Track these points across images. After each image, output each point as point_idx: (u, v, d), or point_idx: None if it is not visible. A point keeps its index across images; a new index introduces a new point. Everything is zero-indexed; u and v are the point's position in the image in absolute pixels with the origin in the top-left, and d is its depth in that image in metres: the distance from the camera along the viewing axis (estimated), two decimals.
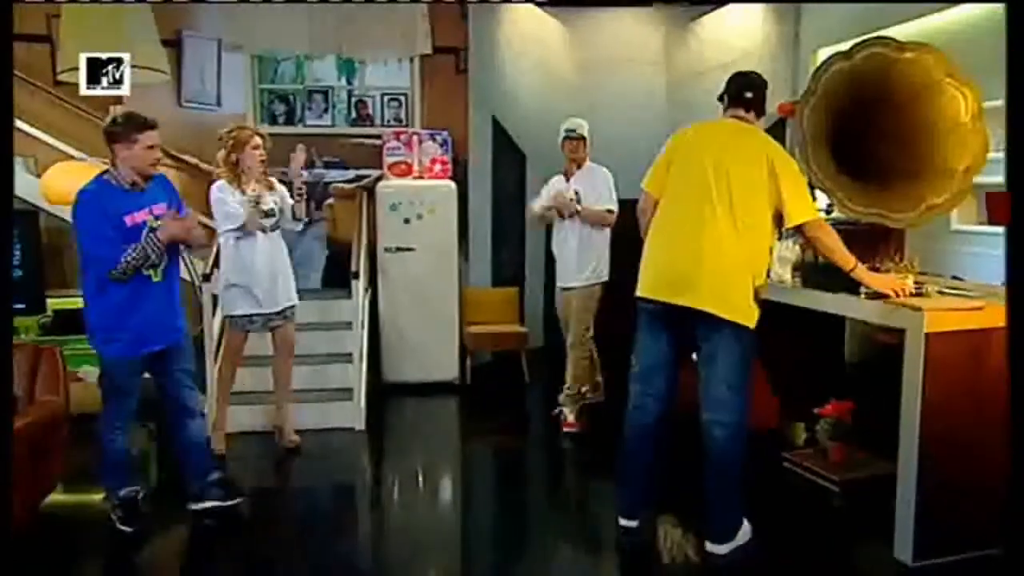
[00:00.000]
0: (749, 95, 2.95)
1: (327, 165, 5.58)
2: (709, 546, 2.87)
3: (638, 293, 2.91)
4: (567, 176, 4.34)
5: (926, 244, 3.91)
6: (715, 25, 6.08)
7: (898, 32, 4.19)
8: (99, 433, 3.11)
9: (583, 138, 4.23)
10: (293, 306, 4.06)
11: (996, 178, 3.02)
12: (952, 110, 2.96)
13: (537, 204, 4.47)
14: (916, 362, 2.69)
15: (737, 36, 5.88)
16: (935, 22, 4.11)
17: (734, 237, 2.73)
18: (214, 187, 3.81)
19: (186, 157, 5.24)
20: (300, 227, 4.15)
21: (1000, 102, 2.00)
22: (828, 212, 3.77)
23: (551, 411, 4.51)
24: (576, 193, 4.23)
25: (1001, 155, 2.97)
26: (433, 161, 5.31)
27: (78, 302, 4.70)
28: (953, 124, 2.95)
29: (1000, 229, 3.85)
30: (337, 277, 5.60)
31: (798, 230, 2.82)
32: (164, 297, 3.05)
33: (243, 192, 3.76)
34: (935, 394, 2.69)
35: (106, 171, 2.98)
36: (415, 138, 5.28)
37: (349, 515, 3.68)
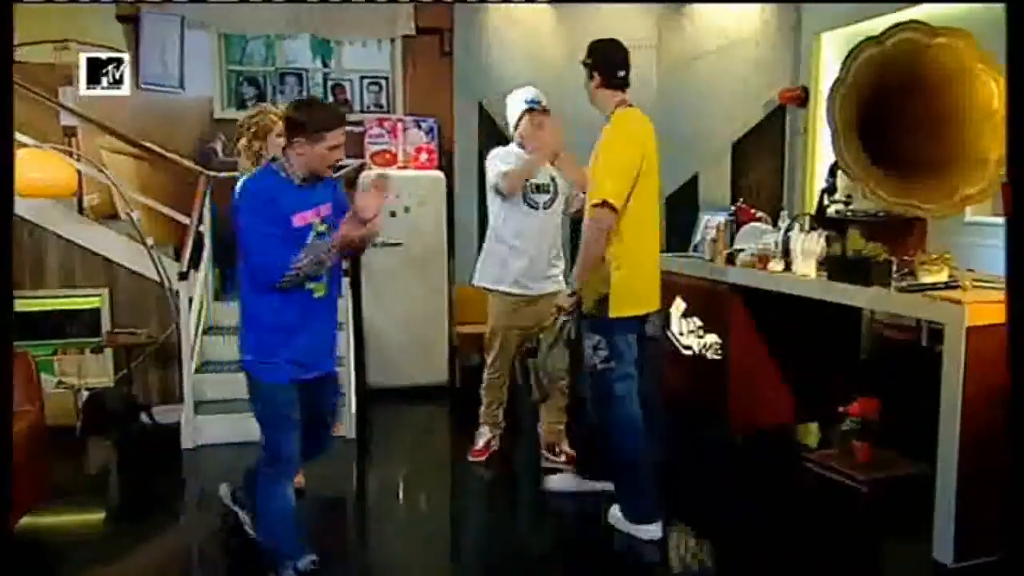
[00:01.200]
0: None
1: None
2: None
3: (627, 313, 3.06)
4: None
5: (940, 236, 4.04)
6: (711, 9, 6.16)
7: (903, 16, 4.33)
8: (256, 482, 2.80)
9: (547, 111, 3.86)
10: None
11: None
12: (984, 98, 3.06)
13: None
14: (956, 357, 2.78)
15: (734, 21, 5.97)
16: (941, 8, 4.23)
17: None
18: (240, 183, 3.61)
19: (147, 144, 5.09)
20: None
21: None
22: (847, 204, 3.88)
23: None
24: (552, 179, 3.89)
25: None
26: (419, 150, 5.27)
27: (30, 303, 4.64)
28: (985, 112, 3.05)
29: None
30: None
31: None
32: (330, 316, 2.79)
33: None
34: (975, 390, 2.78)
35: (274, 159, 2.68)
36: (399, 125, 5.23)
37: (349, 530, 3.65)
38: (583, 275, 3.06)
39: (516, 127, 3.88)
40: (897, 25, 3.06)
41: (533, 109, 3.83)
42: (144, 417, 4.56)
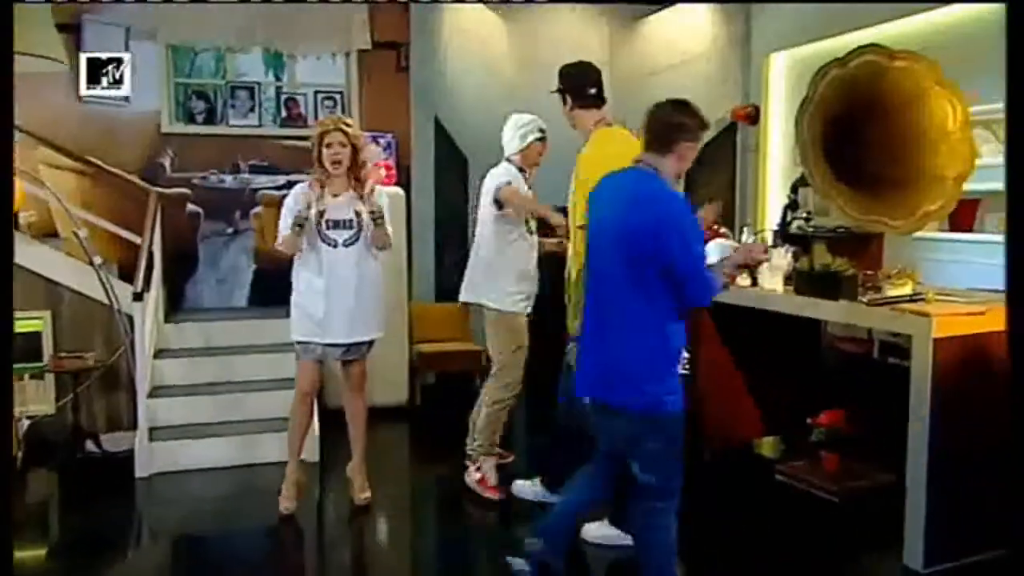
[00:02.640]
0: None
1: (253, 170, 5.40)
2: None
3: None
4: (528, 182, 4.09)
5: (891, 251, 4.24)
6: (662, 26, 6.34)
7: (850, 39, 4.54)
8: (645, 520, 2.63)
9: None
10: (370, 342, 3.71)
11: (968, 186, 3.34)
12: (941, 118, 3.22)
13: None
14: (924, 367, 2.91)
15: (685, 37, 6.15)
16: (887, 31, 4.45)
17: None
18: (294, 188, 3.62)
19: (90, 159, 4.92)
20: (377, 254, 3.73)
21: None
22: (808, 220, 4.03)
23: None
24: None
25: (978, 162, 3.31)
26: (376, 166, 5.23)
27: None
28: (942, 132, 3.21)
29: (961, 236, 4.25)
30: (267, 294, 5.42)
31: None
32: None
33: (319, 196, 3.47)
34: (942, 399, 2.91)
35: (641, 163, 2.51)
36: None
37: (313, 554, 3.58)
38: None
39: (520, 151, 3.90)
40: (859, 48, 3.21)
41: (544, 139, 3.92)
42: (91, 445, 4.38)
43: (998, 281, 3.75)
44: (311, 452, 4.31)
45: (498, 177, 3.85)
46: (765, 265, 3.62)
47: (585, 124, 3.20)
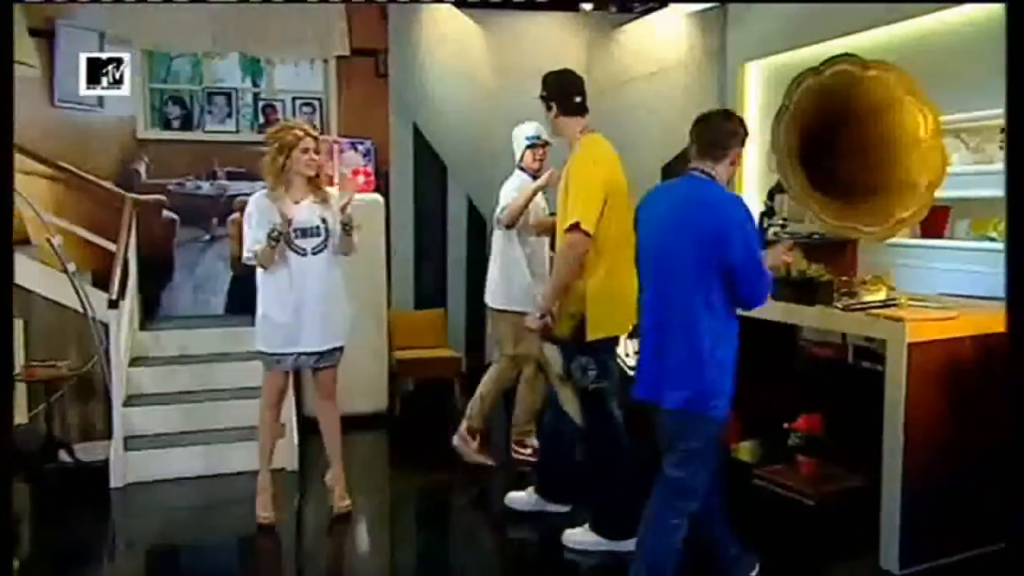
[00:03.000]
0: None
1: (230, 176, 5.37)
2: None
3: (605, 334, 3.15)
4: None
5: (863, 257, 4.31)
6: (639, 34, 6.40)
7: (824, 48, 4.62)
8: (659, 515, 2.65)
9: (548, 143, 4.19)
10: (341, 347, 3.65)
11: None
12: (912, 127, 3.28)
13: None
14: (899, 372, 2.96)
15: (661, 46, 6.22)
16: (861, 41, 4.54)
17: None
18: (252, 197, 3.52)
19: (64, 164, 4.87)
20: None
21: None
22: (783, 226, 4.08)
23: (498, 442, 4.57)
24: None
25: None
26: (355, 172, 5.23)
27: None
28: (914, 140, 3.28)
29: (932, 242, 4.33)
30: (245, 301, 5.38)
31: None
32: None
33: (283, 204, 3.39)
34: (916, 403, 2.96)
35: (695, 171, 2.61)
36: (336, 147, 5.19)
37: (295, 564, 3.55)
38: (553, 299, 3.13)
39: (521, 159, 4.23)
40: (834, 57, 3.26)
41: (536, 145, 4.18)
42: (64, 455, 4.31)
43: (969, 287, 3.87)
44: (290, 461, 4.29)
45: (506, 195, 4.16)
46: None
47: (571, 132, 3.23)
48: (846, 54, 3.31)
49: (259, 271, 3.48)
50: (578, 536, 3.28)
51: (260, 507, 3.60)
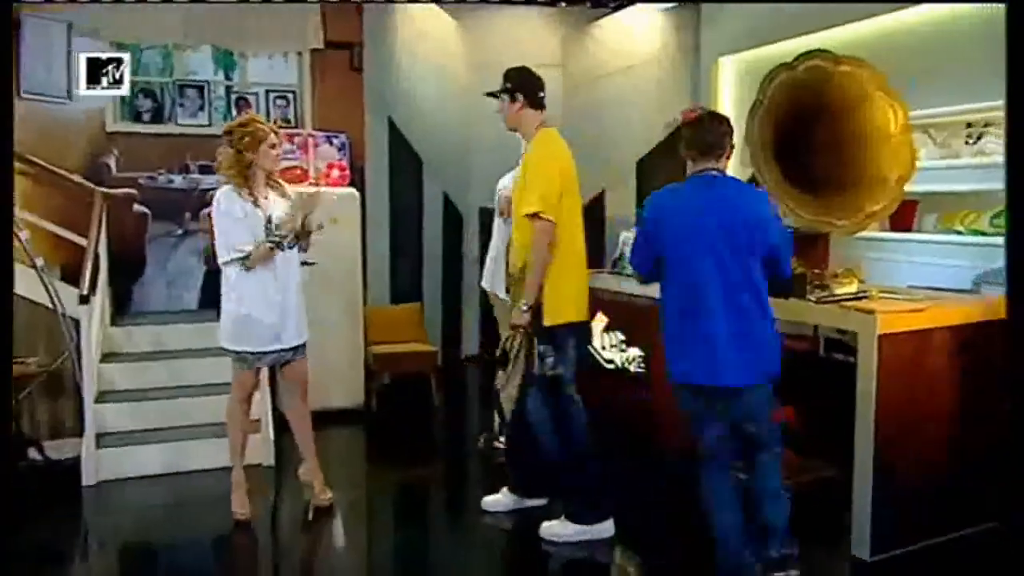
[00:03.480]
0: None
1: (203, 170, 5.30)
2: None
3: (562, 320, 3.21)
4: None
5: (834, 250, 4.37)
6: (613, 29, 6.42)
7: (798, 44, 4.67)
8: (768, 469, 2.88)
9: None
10: (305, 341, 3.63)
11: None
12: (883, 122, 3.34)
13: None
14: (870, 363, 3.01)
15: (635, 41, 6.24)
16: (835, 36, 4.59)
17: None
18: (219, 195, 3.38)
19: (31, 158, 4.78)
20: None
21: None
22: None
23: (476, 436, 4.58)
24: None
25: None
26: (330, 167, 5.20)
27: None
28: (884, 135, 3.34)
29: (901, 235, 4.40)
30: (219, 296, 5.31)
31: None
32: None
33: (255, 201, 3.35)
34: (888, 394, 3.01)
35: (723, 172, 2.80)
36: (310, 141, 5.15)
37: (271, 560, 3.54)
38: (537, 290, 3.17)
39: None
40: (807, 53, 3.31)
41: None
42: (34, 453, 4.24)
43: (936, 279, 3.94)
44: (266, 456, 4.26)
45: (504, 185, 4.23)
46: None
47: (531, 125, 3.33)
48: (819, 50, 3.36)
49: (230, 269, 3.39)
50: (556, 528, 3.30)
51: (236, 504, 3.57)
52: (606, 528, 3.32)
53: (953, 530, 3.18)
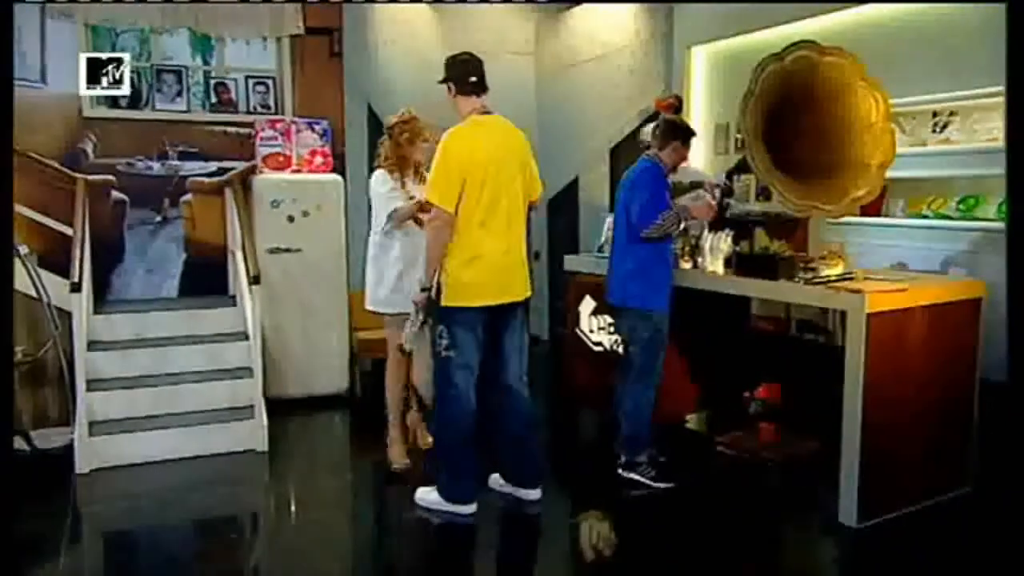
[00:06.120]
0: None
1: (182, 156, 5.19)
2: (527, 492, 3.51)
3: (460, 304, 3.25)
4: None
5: (810, 234, 4.51)
6: (586, 17, 6.46)
7: (770, 34, 4.78)
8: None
9: None
10: None
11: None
12: (865, 110, 3.46)
13: None
14: (859, 340, 3.13)
15: (608, 29, 6.29)
16: (805, 28, 4.70)
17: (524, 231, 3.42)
18: (377, 177, 3.86)
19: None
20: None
21: None
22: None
23: None
24: None
25: None
26: (313, 153, 5.15)
27: None
28: (866, 123, 3.45)
29: (870, 219, 4.56)
30: (199, 284, 5.24)
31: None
32: None
33: (402, 184, 3.81)
34: (875, 369, 3.14)
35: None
36: (292, 127, 5.08)
37: (263, 546, 3.52)
38: (429, 271, 3.29)
39: None
40: (794, 44, 3.40)
41: None
42: (21, 442, 4.13)
43: (907, 261, 4.10)
44: (260, 442, 4.23)
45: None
46: (706, 247, 3.81)
47: (462, 110, 3.35)
48: (805, 40, 3.45)
49: (388, 239, 3.82)
50: (422, 493, 3.49)
51: (396, 455, 3.92)
52: (465, 510, 3.39)
53: (932, 496, 3.34)
